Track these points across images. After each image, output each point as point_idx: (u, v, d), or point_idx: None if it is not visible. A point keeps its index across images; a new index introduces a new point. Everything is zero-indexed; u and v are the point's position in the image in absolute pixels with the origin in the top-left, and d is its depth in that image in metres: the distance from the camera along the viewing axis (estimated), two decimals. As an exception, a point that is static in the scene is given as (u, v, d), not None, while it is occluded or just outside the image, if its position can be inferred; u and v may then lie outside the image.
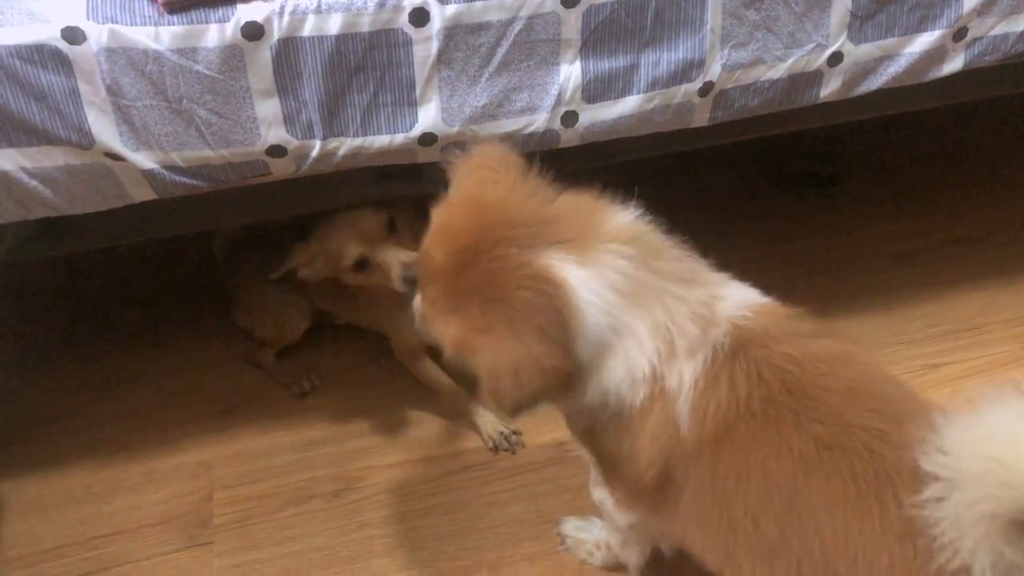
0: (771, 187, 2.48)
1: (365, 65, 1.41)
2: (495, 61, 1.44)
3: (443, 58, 1.42)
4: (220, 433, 1.91)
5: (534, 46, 1.45)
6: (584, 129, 1.53)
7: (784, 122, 1.71)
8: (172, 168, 1.43)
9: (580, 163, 1.85)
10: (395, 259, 1.65)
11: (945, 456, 0.96)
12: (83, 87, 1.34)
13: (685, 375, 1.14)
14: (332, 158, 1.48)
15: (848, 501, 1.05)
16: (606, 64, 1.49)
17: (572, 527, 1.65)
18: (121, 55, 1.32)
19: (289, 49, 1.37)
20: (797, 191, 2.47)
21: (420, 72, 1.43)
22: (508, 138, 1.51)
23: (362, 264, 1.68)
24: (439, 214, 1.19)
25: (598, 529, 1.60)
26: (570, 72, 1.48)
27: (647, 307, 1.14)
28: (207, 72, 1.35)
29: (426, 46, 1.41)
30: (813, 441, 1.08)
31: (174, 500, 1.78)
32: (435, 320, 1.16)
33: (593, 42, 1.46)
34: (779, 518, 1.10)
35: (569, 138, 1.54)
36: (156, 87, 1.35)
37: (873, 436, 1.06)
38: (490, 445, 1.83)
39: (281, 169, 1.48)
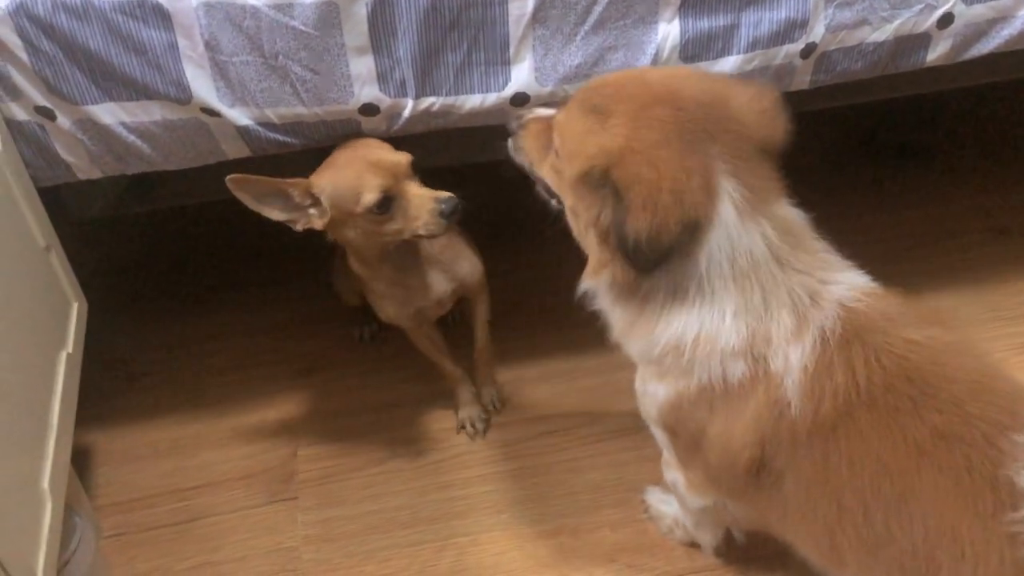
0: (863, 157, 2.40)
1: (460, 22, 1.39)
2: (591, 19, 1.41)
3: (538, 16, 1.40)
4: (301, 392, 1.93)
5: (632, 4, 1.41)
6: (680, 91, 1.49)
7: (886, 87, 1.65)
8: (266, 125, 1.43)
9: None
10: (428, 194, 1.43)
11: None
12: (182, 42, 1.35)
13: (792, 357, 1.11)
14: (424, 118, 1.47)
15: (960, 493, 1.00)
16: (705, 23, 1.44)
17: (655, 498, 1.62)
18: (219, 10, 1.33)
19: (385, 5, 1.35)
20: (890, 162, 2.38)
21: (515, 30, 1.41)
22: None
23: (385, 204, 1.40)
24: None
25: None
26: (668, 31, 1.44)
27: (745, 288, 1.11)
28: (303, 28, 1.35)
29: (521, 4, 1.38)
30: (929, 430, 1.04)
31: (258, 456, 1.81)
32: (588, 133, 1.12)
33: (693, 0, 1.42)
34: (887, 509, 1.06)
35: (664, 100, 1.50)
36: (253, 43, 1.36)
37: (993, 427, 1.01)
38: (458, 425, 1.83)
39: (373, 128, 1.48)
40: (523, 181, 1.36)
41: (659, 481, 1.64)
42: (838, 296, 1.13)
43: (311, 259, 2.13)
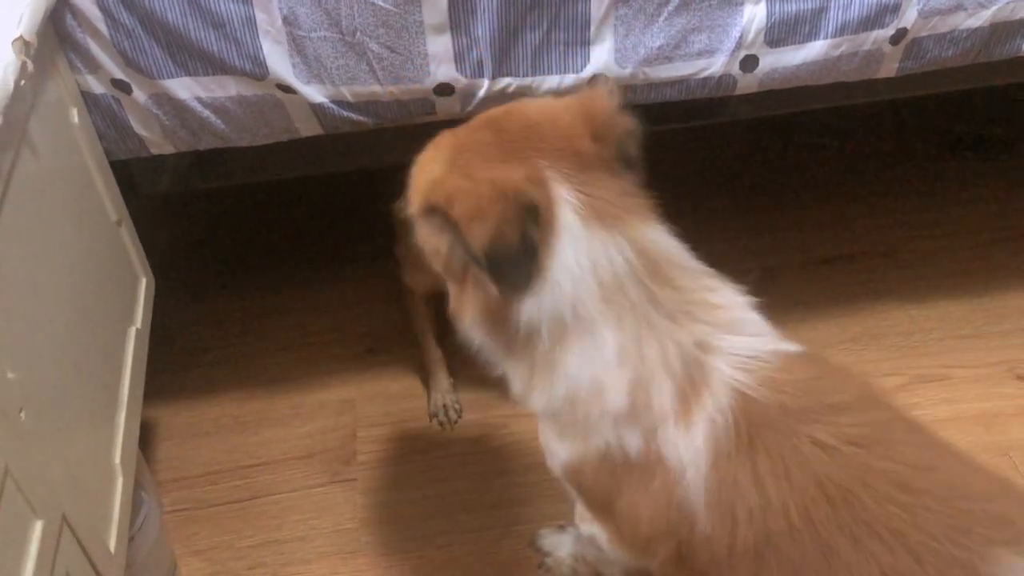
0: (935, 150, 2.33)
1: (541, 1, 1.36)
2: (676, -1, 1.38)
3: (621, -6, 1.36)
4: (363, 372, 1.92)
5: (718, -16, 1.37)
6: (764, 75, 1.44)
7: (976, 76, 1.59)
8: (341, 103, 1.41)
9: (738, 114, 1.79)
10: None
11: None
12: (260, 16, 1.33)
13: (686, 454, 0.95)
14: (499, 99, 1.43)
15: None
16: (793, 5, 1.39)
17: (551, 543, 1.53)
18: (299, -16, 1.31)
19: (465, -18, 1.33)
20: (963, 156, 2.30)
21: (596, 9, 1.37)
22: (681, 82, 1.44)
23: None
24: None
25: (572, 541, 1.48)
26: (754, 13, 1.39)
27: (619, 306, 0.97)
28: (382, 4, 1.32)
29: (605, -18, 1.35)
30: (879, 570, 0.89)
31: (319, 435, 1.81)
32: (423, 167, 1.04)
33: (782, -19, 1.38)
34: None
35: (746, 84, 1.46)
36: (331, 18, 1.33)
37: (952, 564, 0.86)
38: (431, 412, 1.81)
39: (446, 109, 1.45)
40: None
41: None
42: (727, 374, 0.96)
43: (378, 238, 2.12)
